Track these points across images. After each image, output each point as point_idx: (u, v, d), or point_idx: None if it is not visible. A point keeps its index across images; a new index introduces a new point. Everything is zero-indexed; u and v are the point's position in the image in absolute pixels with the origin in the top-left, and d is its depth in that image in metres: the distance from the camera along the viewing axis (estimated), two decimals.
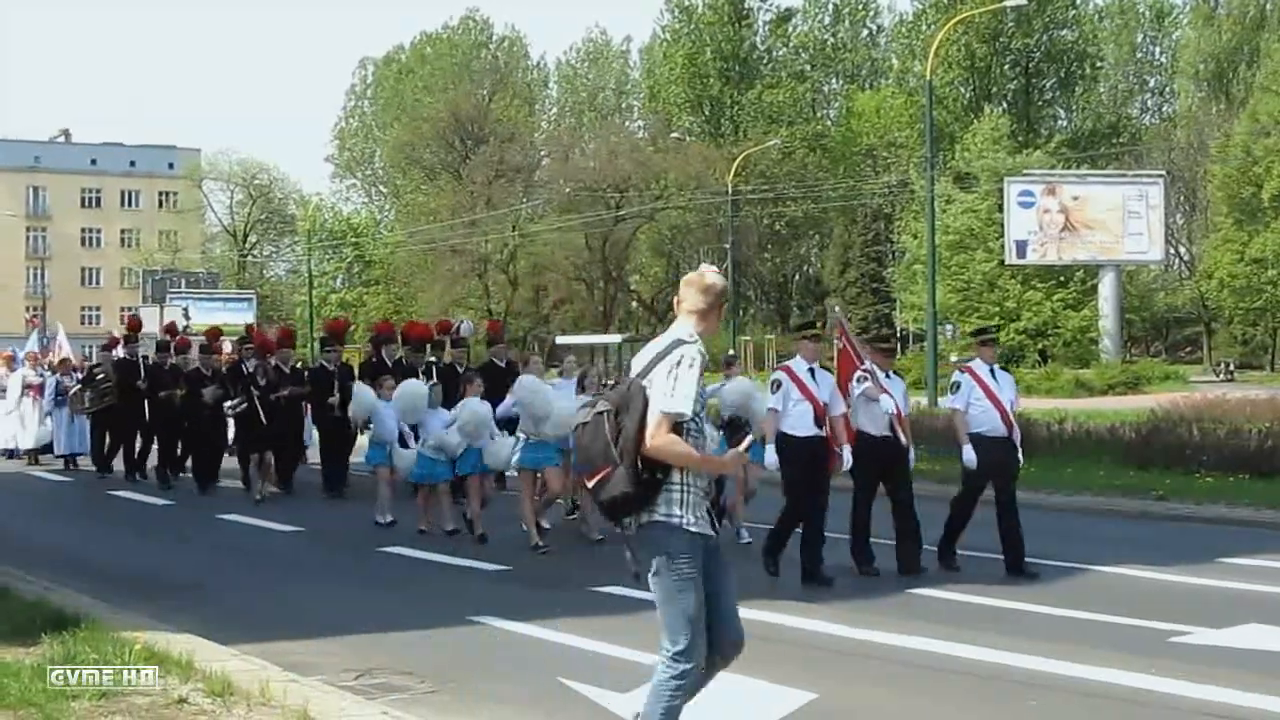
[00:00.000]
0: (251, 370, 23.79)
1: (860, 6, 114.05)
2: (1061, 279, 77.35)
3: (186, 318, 66.75)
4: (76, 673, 9.29)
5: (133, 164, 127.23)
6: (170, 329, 29.91)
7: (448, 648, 11.54)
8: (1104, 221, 72.56)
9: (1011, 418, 14.68)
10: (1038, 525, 13.48)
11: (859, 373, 14.80)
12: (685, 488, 6.98)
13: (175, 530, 20.29)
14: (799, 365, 14.38)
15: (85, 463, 29.12)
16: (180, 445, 26.01)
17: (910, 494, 14.84)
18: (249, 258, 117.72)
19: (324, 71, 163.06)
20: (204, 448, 25.05)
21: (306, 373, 25.58)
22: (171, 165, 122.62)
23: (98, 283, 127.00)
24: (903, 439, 14.67)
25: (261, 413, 23.02)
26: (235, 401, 23.43)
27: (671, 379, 6.86)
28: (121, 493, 24.92)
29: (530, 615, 12.49)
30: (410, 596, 14.20)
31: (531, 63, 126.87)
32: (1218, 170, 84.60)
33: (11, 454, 31.68)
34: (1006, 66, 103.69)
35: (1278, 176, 77.53)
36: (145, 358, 27.12)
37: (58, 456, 30.24)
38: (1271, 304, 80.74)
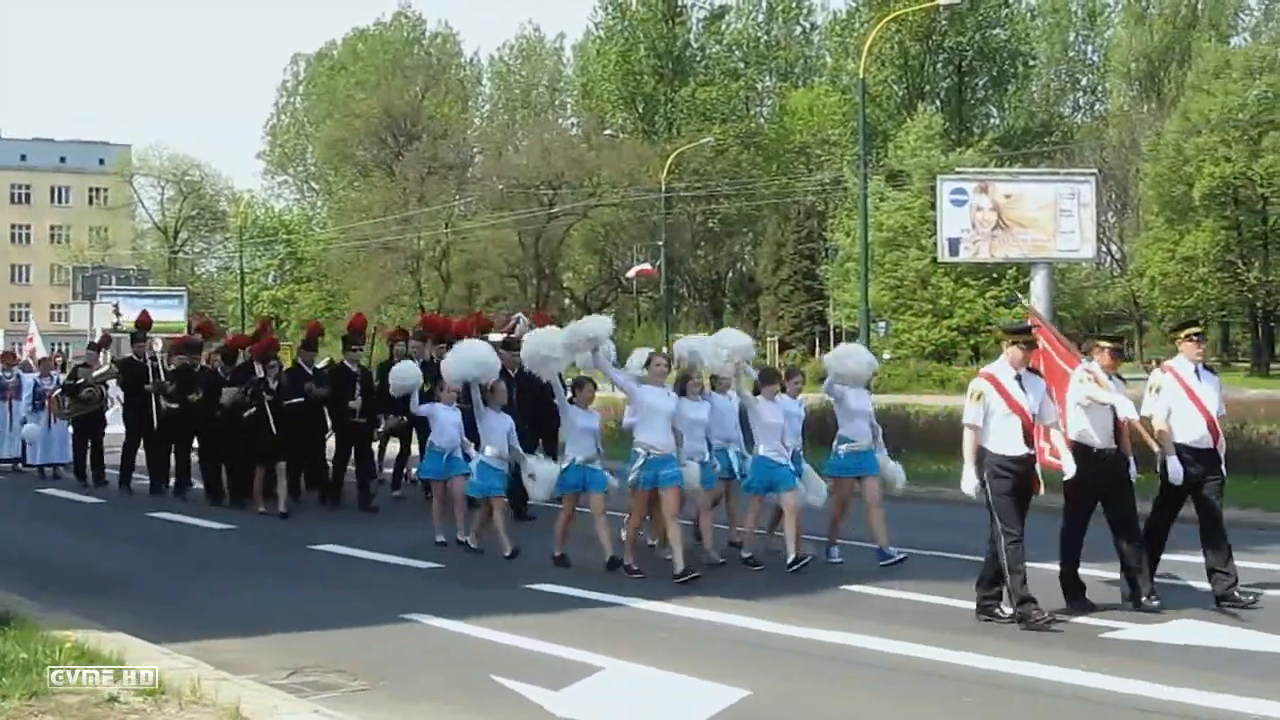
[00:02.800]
0: (273, 373, 20.97)
1: (794, 4, 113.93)
2: (994, 276, 77.55)
3: (117, 314, 66.21)
4: (76, 673, 9.25)
5: (63, 160, 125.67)
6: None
7: (380, 646, 11.48)
8: (1036, 220, 72.66)
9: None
10: (976, 521, 13.47)
11: (1080, 372, 12.84)
12: None
13: (105, 528, 20.17)
14: (1004, 372, 12.44)
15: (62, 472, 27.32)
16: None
17: (1134, 512, 12.99)
18: (180, 254, 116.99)
19: (256, 67, 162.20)
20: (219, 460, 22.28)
21: (324, 372, 22.30)
22: (102, 161, 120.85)
23: (27, 280, 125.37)
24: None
25: (272, 420, 20.44)
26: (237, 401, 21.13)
27: None
28: (51, 490, 24.73)
29: (462, 613, 12.48)
30: (343, 594, 14.12)
31: (465, 59, 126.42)
32: (1149, 169, 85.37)
33: None
34: (939, 65, 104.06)
35: (1208, 175, 78.28)
36: (153, 358, 24.75)
37: (30, 466, 27.61)
38: (1202, 302, 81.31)
